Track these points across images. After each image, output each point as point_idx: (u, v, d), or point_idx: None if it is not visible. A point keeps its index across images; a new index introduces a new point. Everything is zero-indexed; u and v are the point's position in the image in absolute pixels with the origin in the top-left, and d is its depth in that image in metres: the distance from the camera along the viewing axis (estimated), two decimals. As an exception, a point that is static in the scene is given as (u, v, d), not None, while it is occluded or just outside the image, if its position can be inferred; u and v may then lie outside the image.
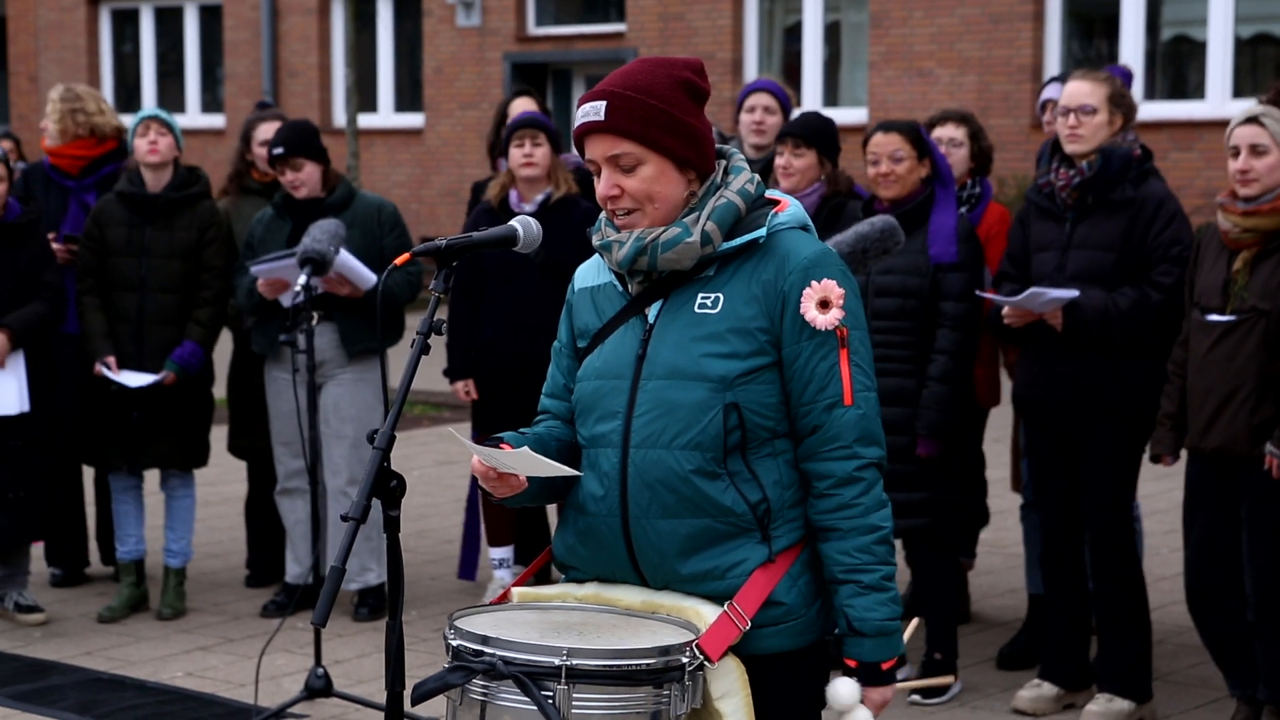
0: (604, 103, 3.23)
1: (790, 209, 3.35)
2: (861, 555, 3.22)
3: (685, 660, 3.09)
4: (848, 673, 3.25)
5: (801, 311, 3.21)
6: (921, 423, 5.83)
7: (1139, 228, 5.63)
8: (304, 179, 6.91)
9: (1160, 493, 8.88)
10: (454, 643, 3.14)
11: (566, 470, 3.21)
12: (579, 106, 3.29)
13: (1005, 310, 5.69)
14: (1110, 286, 5.62)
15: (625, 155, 3.23)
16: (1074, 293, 5.57)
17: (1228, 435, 5.31)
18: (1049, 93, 7.05)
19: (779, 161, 6.26)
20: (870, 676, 3.25)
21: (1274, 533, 5.31)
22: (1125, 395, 5.67)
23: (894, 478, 5.85)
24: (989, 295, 5.77)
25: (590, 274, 3.46)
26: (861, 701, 3.24)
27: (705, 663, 3.12)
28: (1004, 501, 8.22)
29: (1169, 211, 5.63)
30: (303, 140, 6.92)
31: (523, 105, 7.72)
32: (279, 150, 6.86)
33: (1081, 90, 5.68)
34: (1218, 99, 14.99)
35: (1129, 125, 5.74)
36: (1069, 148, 5.68)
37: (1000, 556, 7.89)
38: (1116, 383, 5.67)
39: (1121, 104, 5.69)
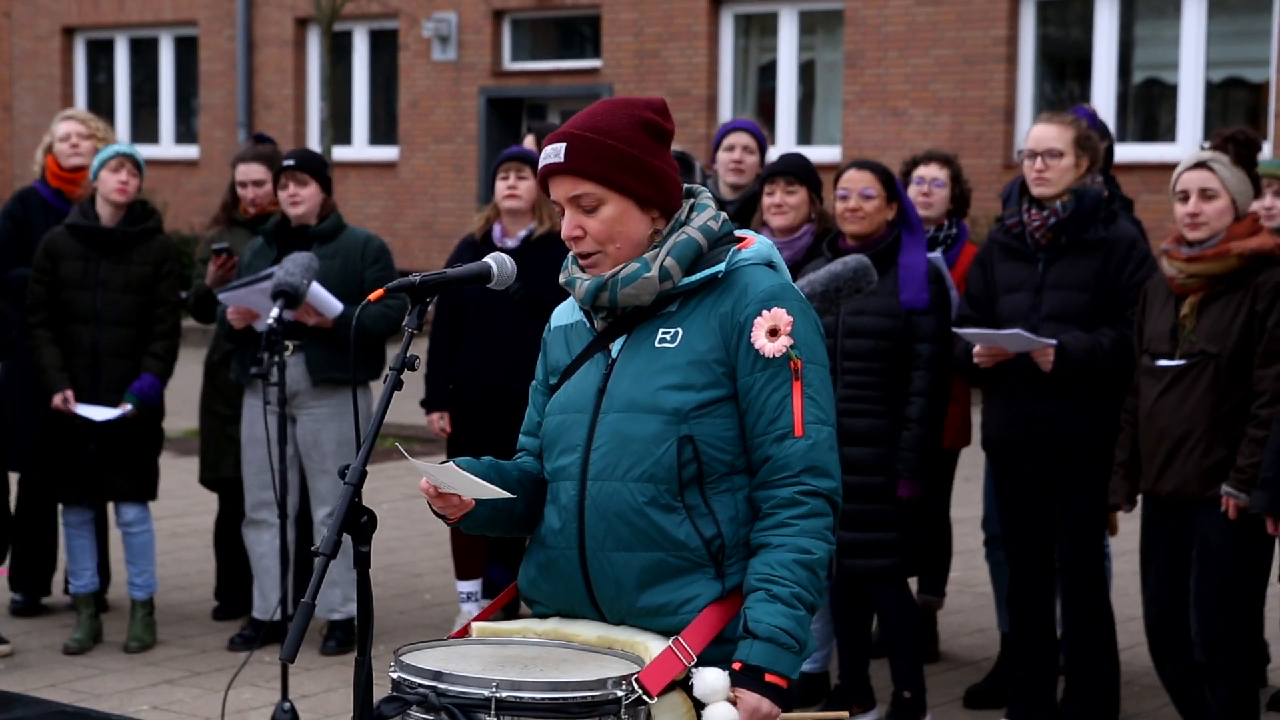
0: (564, 145, 3.27)
1: (755, 246, 3.37)
2: (780, 569, 3.15)
3: (621, 694, 3.06)
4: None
5: (751, 339, 3.23)
6: (904, 465, 5.83)
7: (1112, 268, 5.65)
8: (304, 197, 6.93)
9: (1131, 533, 8.87)
10: (393, 675, 3.16)
11: (496, 491, 3.18)
12: (541, 149, 3.33)
13: (977, 349, 5.69)
14: (1085, 326, 5.63)
15: (586, 196, 3.27)
16: (1052, 341, 5.57)
17: (1181, 479, 5.32)
18: None
19: (770, 200, 6.28)
20: (750, 680, 3.11)
21: (1224, 574, 5.33)
22: (1099, 435, 5.68)
23: (868, 517, 5.87)
24: (967, 332, 5.72)
25: (565, 313, 3.50)
26: (733, 702, 3.09)
27: (644, 697, 3.08)
28: (973, 540, 8.21)
29: (1141, 252, 5.68)
30: (314, 161, 7.04)
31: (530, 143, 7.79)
32: (290, 163, 6.93)
33: (1048, 134, 5.71)
34: (1189, 142, 15.07)
35: (1094, 168, 5.77)
36: (1036, 190, 5.71)
37: (969, 595, 7.89)
38: (1090, 422, 5.68)
39: (1087, 146, 5.73)
